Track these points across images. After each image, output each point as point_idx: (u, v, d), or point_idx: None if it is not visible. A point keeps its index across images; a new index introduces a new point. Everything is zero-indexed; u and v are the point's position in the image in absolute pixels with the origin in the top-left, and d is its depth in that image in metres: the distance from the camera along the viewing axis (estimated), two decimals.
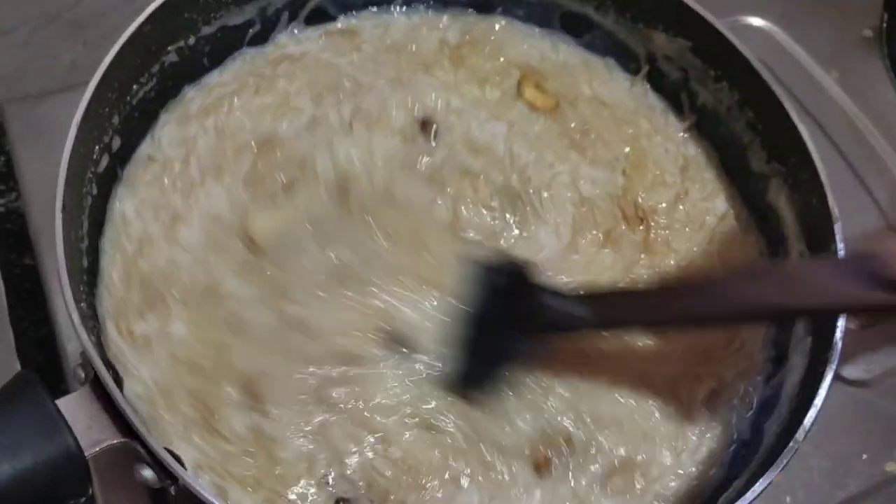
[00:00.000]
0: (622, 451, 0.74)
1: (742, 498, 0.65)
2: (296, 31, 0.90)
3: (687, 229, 0.85)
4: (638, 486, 0.73)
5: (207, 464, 0.70)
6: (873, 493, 0.88)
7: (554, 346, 0.75)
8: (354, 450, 0.71)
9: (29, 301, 1.03)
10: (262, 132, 0.84)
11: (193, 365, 0.72)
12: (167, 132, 0.83)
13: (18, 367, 0.98)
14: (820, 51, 1.13)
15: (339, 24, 0.92)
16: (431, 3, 0.93)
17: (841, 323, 0.71)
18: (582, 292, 0.74)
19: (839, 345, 0.71)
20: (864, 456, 0.89)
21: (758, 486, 0.66)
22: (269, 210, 0.79)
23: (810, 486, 0.87)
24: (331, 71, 0.88)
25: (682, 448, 0.75)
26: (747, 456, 0.74)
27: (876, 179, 1.04)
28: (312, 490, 0.70)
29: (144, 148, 0.82)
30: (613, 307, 0.72)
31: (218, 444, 0.70)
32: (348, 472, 0.71)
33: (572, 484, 0.73)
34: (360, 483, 0.70)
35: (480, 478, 0.72)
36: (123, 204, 0.79)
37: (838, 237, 0.75)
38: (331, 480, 0.70)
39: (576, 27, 0.93)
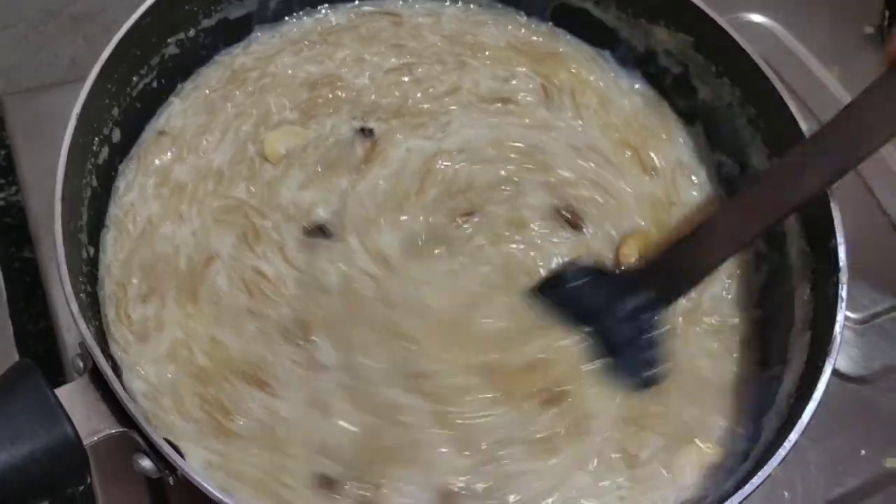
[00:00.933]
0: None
1: (740, 492, 0.65)
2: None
3: None
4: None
5: (219, 464, 0.70)
6: (871, 489, 0.88)
7: None
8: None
9: (28, 294, 1.03)
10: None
11: (192, 361, 0.73)
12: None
13: (17, 359, 0.98)
14: (821, 48, 1.13)
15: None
16: None
17: (840, 317, 0.71)
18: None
19: (839, 339, 0.71)
20: (863, 452, 0.88)
21: (756, 480, 0.65)
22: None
23: (808, 481, 0.87)
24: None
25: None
26: (745, 450, 0.74)
27: (875, 175, 1.04)
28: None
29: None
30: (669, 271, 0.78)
31: (230, 442, 0.70)
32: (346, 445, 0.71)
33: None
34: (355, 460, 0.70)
35: None
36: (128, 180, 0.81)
37: (839, 233, 0.75)
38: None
39: (573, 21, 0.93)
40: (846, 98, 1.09)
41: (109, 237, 0.78)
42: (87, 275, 0.74)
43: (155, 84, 0.83)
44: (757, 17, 1.14)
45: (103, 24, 1.16)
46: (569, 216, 0.82)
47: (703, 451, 0.74)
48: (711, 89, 0.88)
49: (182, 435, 0.70)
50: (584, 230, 0.82)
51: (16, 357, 0.98)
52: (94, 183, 0.76)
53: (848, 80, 1.11)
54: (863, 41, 1.16)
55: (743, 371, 0.79)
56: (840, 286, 0.73)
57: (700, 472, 0.74)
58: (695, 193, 0.87)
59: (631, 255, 0.81)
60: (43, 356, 0.98)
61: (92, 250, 0.75)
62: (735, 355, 0.80)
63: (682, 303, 0.80)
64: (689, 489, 0.73)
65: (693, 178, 0.88)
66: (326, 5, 0.92)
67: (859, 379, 0.91)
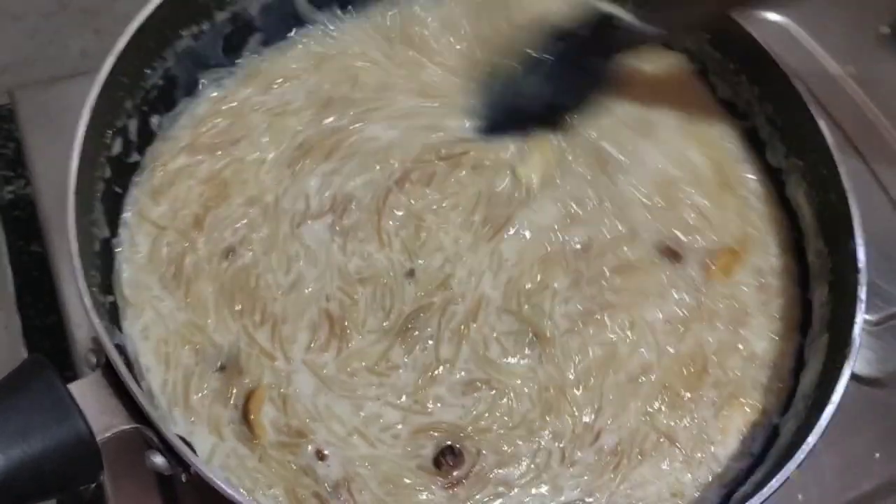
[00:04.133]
0: None
1: (759, 493, 0.65)
2: None
3: None
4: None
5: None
6: (885, 493, 0.87)
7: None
8: None
9: (37, 289, 1.02)
10: None
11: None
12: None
13: (26, 355, 0.98)
14: (836, 47, 1.12)
15: None
16: None
17: (859, 318, 0.71)
18: None
19: (857, 340, 0.70)
20: (877, 455, 0.88)
21: (775, 483, 0.65)
22: None
23: (822, 484, 0.86)
24: None
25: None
26: (763, 452, 0.74)
27: (891, 175, 1.03)
28: None
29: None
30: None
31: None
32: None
33: None
34: None
35: None
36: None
37: (857, 233, 0.74)
38: None
39: None
40: (861, 97, 1.09)
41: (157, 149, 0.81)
42: (100, 269, 0.73)
43: (169, 76, 0.82)
44: (772, 16, 1.14)
45: (114, 17, 1.15)
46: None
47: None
48: (729, 86, 0.88)
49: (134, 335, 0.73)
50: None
51: (24, 352, 0.98)
52: (108, 175, 0.76)
53: (862, 80, 1.10)
54: (877, 40, 1.15)
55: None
56: (859, 287, 0.72)
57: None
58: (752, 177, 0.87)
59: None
60: (51, 351, 0.98)
61: (104, 244, 0.75)
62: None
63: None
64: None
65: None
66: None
67: (874, 381, 0.91)
